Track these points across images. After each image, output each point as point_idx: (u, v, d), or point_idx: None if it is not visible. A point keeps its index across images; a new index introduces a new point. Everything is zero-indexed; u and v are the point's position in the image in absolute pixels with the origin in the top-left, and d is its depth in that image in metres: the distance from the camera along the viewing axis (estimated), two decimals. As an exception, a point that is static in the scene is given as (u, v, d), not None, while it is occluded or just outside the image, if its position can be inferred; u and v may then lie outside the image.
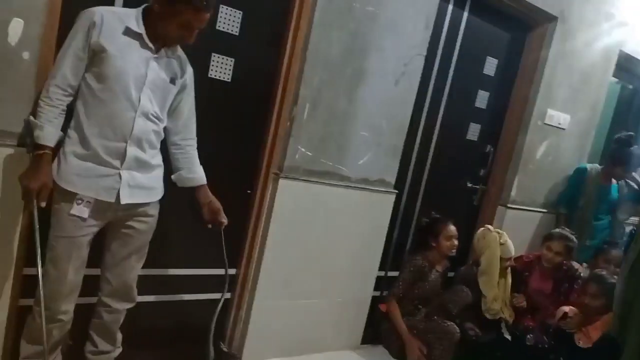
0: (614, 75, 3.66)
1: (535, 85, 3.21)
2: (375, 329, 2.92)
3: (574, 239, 2.98)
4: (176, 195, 1.97)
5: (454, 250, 2.87)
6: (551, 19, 3.12)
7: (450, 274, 3.13)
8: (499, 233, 2.98)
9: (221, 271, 2.27)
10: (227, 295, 2.45)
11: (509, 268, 3.01)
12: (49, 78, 1.64)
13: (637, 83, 4.27)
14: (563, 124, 3.38)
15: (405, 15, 2.51)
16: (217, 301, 2.08)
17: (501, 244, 2.94)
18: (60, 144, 1.67)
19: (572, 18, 3.18)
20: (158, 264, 2.24)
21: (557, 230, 3.08)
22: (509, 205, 3.30)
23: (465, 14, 2.98)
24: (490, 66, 3.18)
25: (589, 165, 3.48)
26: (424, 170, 3.09)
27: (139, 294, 2.05)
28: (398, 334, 2.75)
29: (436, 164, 3.11)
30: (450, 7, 2.89)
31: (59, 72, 1.62)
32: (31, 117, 1.64)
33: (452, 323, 2.70)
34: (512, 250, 2.99)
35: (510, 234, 3.06)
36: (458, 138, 3.19)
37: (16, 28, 1.63)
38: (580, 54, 3.31)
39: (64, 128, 1.68)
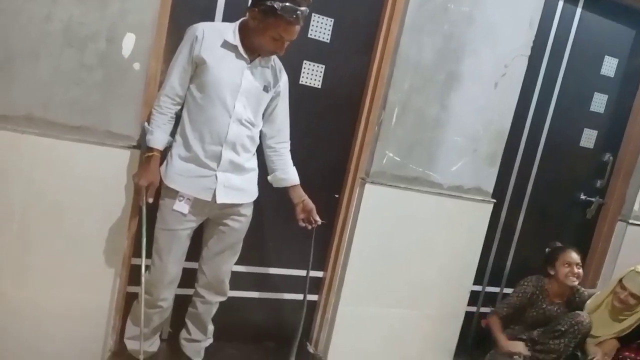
0: None
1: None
2: (476, 347, 2.75)
3: None
4: (274, 198, 2.07)
5: (574, 280, 2.55)
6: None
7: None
8: None
9: (314, 273, 2.33)
10: (314, 297, 2.50)
11: None
12: (160, 89, 1.84)
13: None
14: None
15: (504, 14, 2.38)
16: (308, 303, 2.13)
17: None
18: (169, 147, 1.86)
19: None
20: (255, 261, 2.37)
21: None
22: (630, 221, 2.93)
23: (579, 10, 2.73)
24: (609, 66, 2.88)
25: None
26: (529, 179, 2.87)
27: (235, 289, 2.18)
28: (498, 346, 2.56)
29: (543, 172, 2.87)
30: (561, 3, 2.67)
31: (168, 83, 1.81)
32: (145, 123, 1.85)
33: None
34: None
35: (633, 254, 2.71)
36: (569, 145, 2.92)
37: (129, 42, 1.85)
38: None
39: (173, 133, 1.87)
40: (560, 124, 2.84)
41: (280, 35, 1.74)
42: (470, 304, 2.74)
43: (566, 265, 2.55)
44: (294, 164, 2.06)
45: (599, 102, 2.91)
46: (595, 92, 2.89)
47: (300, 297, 2.21)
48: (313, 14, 2.22)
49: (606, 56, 2.86)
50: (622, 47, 2.88)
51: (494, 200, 2.61)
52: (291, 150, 2.06)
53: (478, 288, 2.85)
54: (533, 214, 2.91)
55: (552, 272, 2.60)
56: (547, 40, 2.69)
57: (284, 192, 2.05)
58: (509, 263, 2.94)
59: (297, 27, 1.75)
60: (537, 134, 2.82)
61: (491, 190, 2.59)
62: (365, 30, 2.32)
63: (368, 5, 2.30)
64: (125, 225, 1.97)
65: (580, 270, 2.57)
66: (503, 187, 2.77)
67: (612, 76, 2.89)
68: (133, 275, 2.06)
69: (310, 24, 2.23)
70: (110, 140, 1.90)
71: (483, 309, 2.91)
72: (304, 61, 2.26)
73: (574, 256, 2.57)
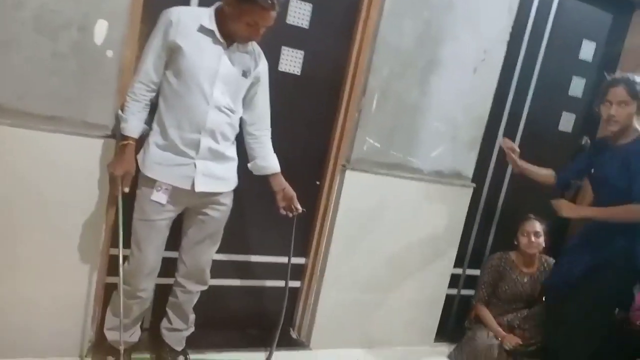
0: None
1: (642, 69, 2.86)
2: (457, 329, 2.82)
3: None
4: (254, 186, 2.06)
5: (533, 249, 2.62)
6: (662, -6, 2.77)
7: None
8: None
9: (296, 260, 2.33)
10: (297, 284, 2.52)
11: None
12: (134, 75, 1.80)
13: None
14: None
15: (484, 2, 2.38)
16: (284, 288, 2.15)
17: None
18: (145, 135, 1.83)
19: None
20: (236, 249, 2.37)
21: None
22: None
23: (558, -6, 2.74)
24: (587, 50, 2.90)
25: None
26: (508, 163, 2.89)
27: (217, 277, 2.18)
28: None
29: (522, 157, 2.87)
30: (540, -13, 2.68)
31: (142, 69, 1.77)
32: (119, 111, 1.82)
33: None
34: None
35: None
36: (549, 129, 2.95)
37: (101, 29, 1.80)
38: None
39: (150, 121, 1.84)
40: (539, 108, 2.86)
41: (255, 21, 1.71)
42: (451, 286, 2.78)
43: (525, 234, 2.63)
44: (275, 152, 2.04)
45: (577, 87, 2.93)
46: (574, 76, 2.91)
47: (282, 283, 2.22)
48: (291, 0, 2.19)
49: (584, 40, 2.88)
50: (600, 31, 2.90)
51: (474, 185, 2.64)
52: (272, 138, 2.04)
53: (459, 271, 2.89)
54: (513, 197, 2.94)
55: (516, 243, 2.68)
56: (526, 25, 2.69)
57: (265, 180, 2.04)
58: (489, 245, 2.98)
59: (273, 13, 1.72)
60: (517, 119, 2.84)
61: (471, 175, 2.62)
62: (345, 16, 2.29)
63: (347, -10, 2.28)
64: (103, 216, 1.94)
65: (540, 239, 2.62)
66: (483, 171, 2.79)
67: (590, 60, 2.92)
68: (112, 266, 2.05)
69: (289, 10, 2.19)
70: (86, 130, 1.86)
71: (464, 292, 2.95)
72: (283, 47, 2.24)
73: (532, 225, 2.63)
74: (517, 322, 2.62)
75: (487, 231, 2.97)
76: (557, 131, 2.97)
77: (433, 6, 2.28)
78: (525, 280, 2.66)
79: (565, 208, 2.16)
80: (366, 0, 2.25)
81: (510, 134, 2.83)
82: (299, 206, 2.05)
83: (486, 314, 2.65)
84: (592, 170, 2.24)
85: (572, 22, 2.81)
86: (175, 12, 1.74)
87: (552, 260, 2.71)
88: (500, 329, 2.59)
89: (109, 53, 1.84)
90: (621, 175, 2.06)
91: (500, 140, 2.69)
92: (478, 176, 2.70)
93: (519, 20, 2.56)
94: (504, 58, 2.52)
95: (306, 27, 2.25)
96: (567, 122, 2.97)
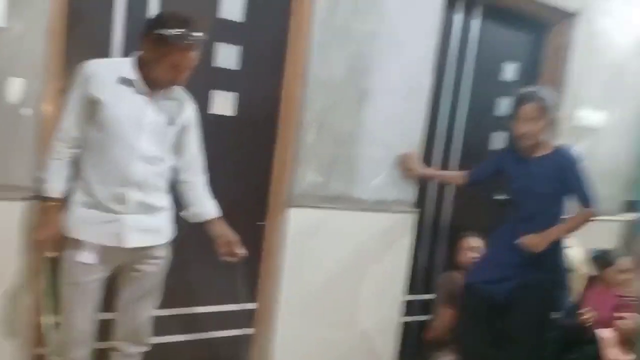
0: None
1: (562, 86, 3.03)
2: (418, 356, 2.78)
3: None
4: (194, 233, 1.97)
5: (469, 265, 2.62)
6: (569, 15, 2.96)
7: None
8: None
9: (245, 305, 2.24)
10: (250, 330, 2.43)
11: None
12: (55, 133, 1.71)
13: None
14: (597, 123, 3.17)
15: (407, 29, 2.46)
16: (242, 337, 2.06)
17: None
18: (69, 194, 1.73)
19: (591, 11, 3.00)
20: (179, 302, 2.25)
21: None
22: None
23: (476, 21, 2.87)
24: (511, 71, 3.05)
25: None
26: (450, 185, 2.96)
27: (161, 334, 2.06)
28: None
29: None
30: (459, 15, 2.80)
31: (62, 126, 1.69)
32: (41, 173, 1.71)
33: None
34: None
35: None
36: (481, 148, 3.05)
37: (16, 87, 1.71)
38: (607, 47, 3.11)
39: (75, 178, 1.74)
40: (471, 128, 2.96)
41: (176, 63, 1.66)
42: (408, 314, 2.77)
43: (462, 252, 2.69)
44: (213, 196, 1.98)
45: (504, 106, 3.06)
46: (501, 97, 3.04)
47: (233, 332, 2.14)
48: (218, 43, 2.17)
49: (507, 62, 3.03)
50: (521, 52, 3.06)
51: (417, 210, 2.66)
52: (209, 182, 1.98)
53: (412, 297, 2.89)
54: (456, 218, 2.99)
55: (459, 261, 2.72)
56: (448, 51, 2.78)
57: (204, 226, 1.97)
58: (441, 267, 3.00)
59: (193, 53, 1.68)
60: (450, 141, 2.91)
61: (413, 200, 2.65)
62: (275, 53, 2.31)
63: (274, 30, 2.29)
64: (26, 283, 1.81)
65: (476, 254, 2.64)
66: (424, 195, 2.83)
67: (517, 80, 3.05)
68: (42, 336, 1.89)
69: (216, 53, 2.18)
70: (5, 194, 1.74)
71: (421, 317, 2.94)
72: (212, 90, 2.21)
73: (468, 242, 2.70)
74: None
75: (434, 254, 2.99)
76: (489, 150, 3.07)
77: (358, 36, 2.33)
78: None
79: (536, 243, 2.17)
80: (292, 34, 2.28)
81: (445, 156, 2.91)
82: (240, 250, 1.99)
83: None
84: (513, 184, 2.35)
85: (493, 46, 2.95)
86: (92, 66, 1.68)
87: None
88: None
89: (26, 111, 1.74)
90: (548, 184, 2.19)
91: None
92: (420, 200, 2.73)
93: (443, 46, 2.66)
94: (433, 83, 2.60)
95: (238, 69, 2.24)
96: (498, 140, 3.08)
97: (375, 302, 2.59)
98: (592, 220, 2.19)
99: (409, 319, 2.87)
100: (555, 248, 2.22)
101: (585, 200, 2.16)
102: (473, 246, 2.68)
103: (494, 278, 2.25)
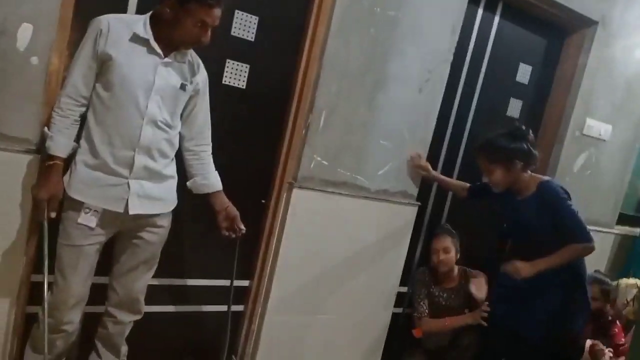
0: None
1: (573, 93, 3.01)
2: (404, 348, 2.77)
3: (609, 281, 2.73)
4: (194, 204, 1.94)
5: (443, 267, 2.61)
6: (590, 23, 2.93)
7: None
8: None
9: (240, 282, 2.20)
10: (240, 307, 2.40)
11: None
12: (61, 88, 1.64)
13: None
14: (604, 135, 3.16)
15: (429, 20, 2.41)
16: (227, 314, 2.03)
17: None
18: (73, 154, 1.67)
19: (613, 23, 2.97)
20: (173, 273, 2.21)
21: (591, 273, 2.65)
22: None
23: (497, 19, 2.83)
24: (524, 73, 3.02)
25: None
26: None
27: (151, 303, 2.02)
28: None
29: (464, 176, 2.95)
30: (480, 11, 2.75)
31: (70, 82, 1.62)
32: (45, 128, 1.65)
33: None
34: None
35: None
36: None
37: (25, 33, 1.64)
38: (623, 61, 3.09)
39: (79, 138, 1.68)
40: (480, 128, 2.93)
41: (203, 20, 1.62)
42: (397, 305, 2.76)
43: (434, 252, 2.64)
44: (217, 169, 1.94)
45: (514, 107, 3.04)
46: (512, 98, 3.02)
47: (222, 308, 2.10)
48: (236, 11, 2.10)
49: (521, 63, 2.99)
50: (536, 56, 3.02)
51: (419, 203, 2.64)
52: (213, 154, 1.94)
53: (405, 289, 2.88)
54: (456, 214, 2.98)
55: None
56: (468, 47, 2.75)
57: (205, 198, 1.93)
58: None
59: (219, 10, 1.65)
60: (459, 138, 2.89)
61: (416, 194, 2.62)
62: (292, 31, 2.24)
63: (294, 5, 2.22)
64: (23, 240, 1.75)
65: (450, 254, 2.61)
66: (427, 190, 2.81)
67: (527, 83, 3.04)
68: (34, 294, 1.84)
69: (234, 21, 2.11)
70: (4, 144, 1.67)
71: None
72: (227, 60, 2.14)
73: (440, 241, 2.64)
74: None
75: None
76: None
77: (378, 23, 2.28)
78: (445, 295, 2.66)
79: (523, 269, 2.13)
80: (313, 17, 2.21)
81: (452, 152, 2.89)
82: (242, 226, 1.94)
83: (432, 322, 2.60)
84: (505, 222, 2.40)
85: (510, 46, 2.91)
86: (105, 20, 1.61)
87: (475, 272, 2.72)
88: (460, 318, 2.54)
89: (34, 60, 1.67)
90: (538, 223, 2.14)
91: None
92: (423, 194, 2.71)
93: (462, 41, 2.62)
94: (449, 77, 2.55)
95: (252, 40, 2.17)
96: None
97: (370, 291, 2.57)
98: (584, 254, 2.15)
99: (400, 310, 2.86)
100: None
101: (572, 236, 2.08)
102: (445, 246, 2.62)
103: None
